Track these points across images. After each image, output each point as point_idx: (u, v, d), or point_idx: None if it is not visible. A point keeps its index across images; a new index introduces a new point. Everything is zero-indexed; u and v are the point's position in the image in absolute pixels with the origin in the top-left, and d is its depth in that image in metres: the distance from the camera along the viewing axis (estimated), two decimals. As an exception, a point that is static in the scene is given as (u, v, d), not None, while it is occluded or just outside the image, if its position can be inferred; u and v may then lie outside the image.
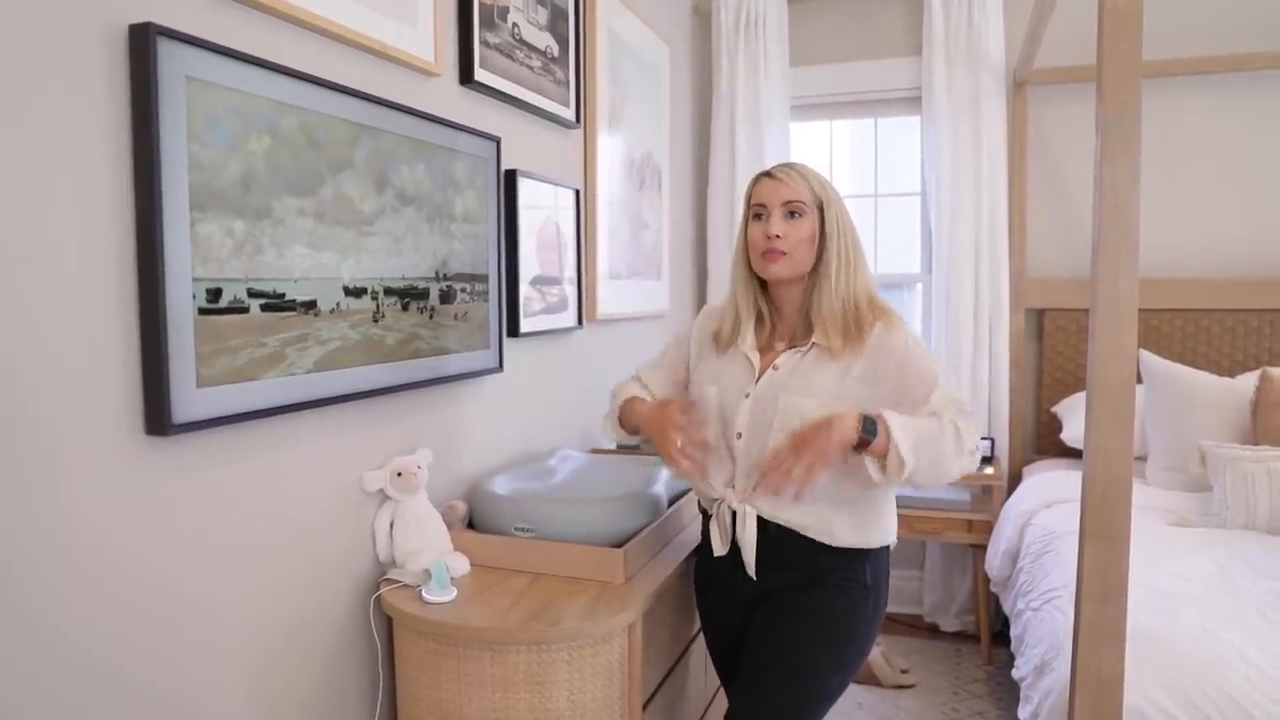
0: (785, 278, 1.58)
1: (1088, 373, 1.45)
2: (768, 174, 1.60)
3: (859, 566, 1.57)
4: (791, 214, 1.56)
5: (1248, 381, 2.88)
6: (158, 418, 1.19)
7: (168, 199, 1.18)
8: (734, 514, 1.59)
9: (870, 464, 1.44)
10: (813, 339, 1.56)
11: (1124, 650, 1.44)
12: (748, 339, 1.64)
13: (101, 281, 1.14)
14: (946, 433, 1.45)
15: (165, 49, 1.17)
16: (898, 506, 1.68)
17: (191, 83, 1.22)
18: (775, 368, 1.59)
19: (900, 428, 1.41)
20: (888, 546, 1.63)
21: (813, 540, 1.55)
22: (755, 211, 1.60)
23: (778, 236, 1.54)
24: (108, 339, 1.15)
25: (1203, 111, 3.23)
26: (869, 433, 1.41)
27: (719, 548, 1.62)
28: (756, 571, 1.58)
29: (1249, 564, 2.16)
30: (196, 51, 1.22)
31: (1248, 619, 1.84)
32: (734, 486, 1.60)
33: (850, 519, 1.54)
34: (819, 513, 1.53)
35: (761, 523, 1.57)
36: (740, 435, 1.58)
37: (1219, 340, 3.21)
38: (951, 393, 1.50)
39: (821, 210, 1.57)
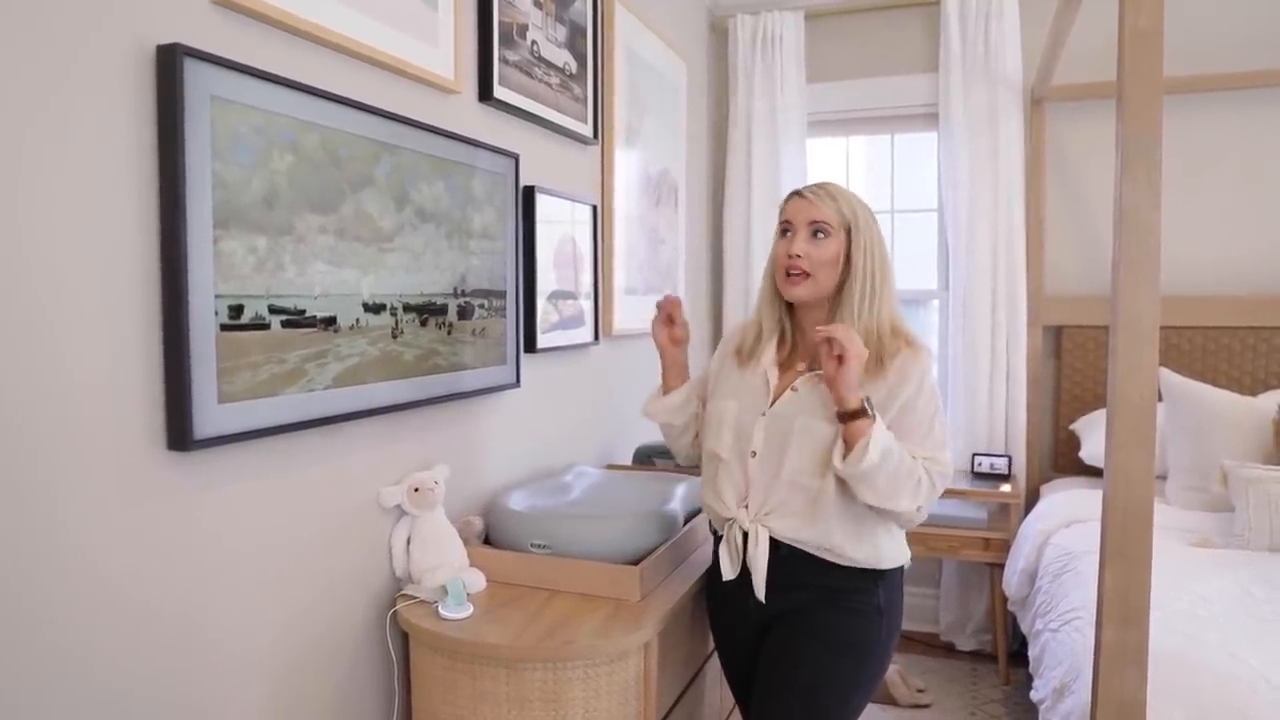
0: (806, 299, 1.59)
1: (1108, 392, 1.44)
2: (799, 192, 1.60)
3: (872, 588, 1.56)
4: (816, 233, 1.55)
5: (1270, 401, 2.85)
6: (180, 433, 1.20)
7: (192, 216, 1.20)
8: (745, 535, 1.57)
9: (838, 447, 1.47)
10: None
11: (1146, 674, 1.42)
12: (769, 355, 1.64)
13: (126, 298, 1.15)
14: (915, 474, 1.47)
15: (191, 69, 1.19)
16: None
17: (216, 102, 1.23)
18: (794, 389, 1.58)
19: (883, 432, 1.44)
20: (901, 567, 1.61)
21: (824, 560, 1.54)
22: (783, 228, 1.60)
23: (798, 256, 1.54)
24: (131, 355, 1.16)
25: (1224, 127, 3.21)
26: (867, 405, 1.44)
27: (728, 571, 1.60)
28: (768, 594, 1.56)
29: (1273, 586, 2.13)
30: (221, 71, 1.24)
31: (1271, 642, 1.81)
32: (747, 506, 1.58)
33: (859, 536, 1.53)
34: (828, 530, 1.52)
35: (773, 544, 1.55)
36: (755, 454, 1.57)
37: (1240, 358, 3.17)
38: (940, 452, 1.52)
39: (849, 232, 1.56)
